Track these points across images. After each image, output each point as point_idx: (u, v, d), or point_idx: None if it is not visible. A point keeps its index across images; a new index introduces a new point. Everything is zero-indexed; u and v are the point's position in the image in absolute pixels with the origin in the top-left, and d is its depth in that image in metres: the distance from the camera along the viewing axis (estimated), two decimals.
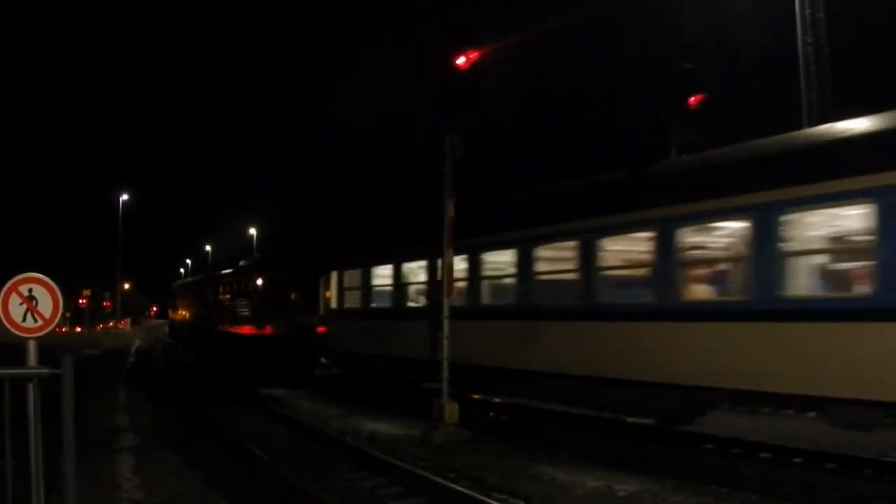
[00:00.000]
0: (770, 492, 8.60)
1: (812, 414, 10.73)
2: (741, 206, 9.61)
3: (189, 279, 47.54)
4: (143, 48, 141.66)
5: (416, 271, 16.98)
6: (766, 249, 9.22)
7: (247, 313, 28.79)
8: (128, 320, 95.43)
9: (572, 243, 12.40)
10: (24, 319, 5.70)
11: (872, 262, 8.26)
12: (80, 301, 66.01)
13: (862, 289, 8.52)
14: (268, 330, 25.69)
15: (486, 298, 14.65)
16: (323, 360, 21.90)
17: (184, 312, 45.51)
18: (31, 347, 5.69)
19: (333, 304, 20.37)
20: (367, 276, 18.92)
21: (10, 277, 5.72)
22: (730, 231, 10.47)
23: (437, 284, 14.45)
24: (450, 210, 13.14)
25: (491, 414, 15.10)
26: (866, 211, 8.29)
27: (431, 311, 14.70)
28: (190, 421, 14.89)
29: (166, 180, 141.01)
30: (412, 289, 17.25)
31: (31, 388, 5.49)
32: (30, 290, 5.72)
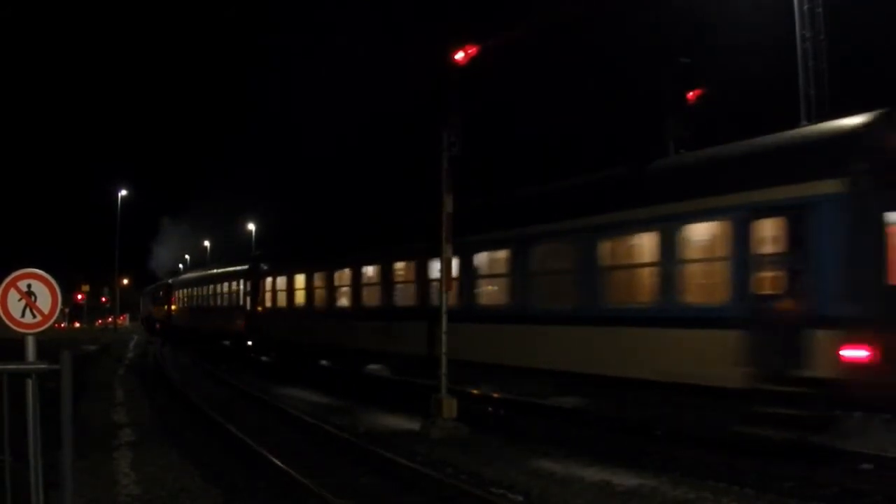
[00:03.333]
0: (767, 487, 8.61)
1: None
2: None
3: (149, 287, 71.99)
4: (142, 46, 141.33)
5: (208, 289, 36.73)
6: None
7: (157, 306, 58.80)
8: (126, 316, 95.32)
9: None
10: (23, 315, 5.70)
11: None
12: (79, 297, 65.89)
13: None
14: (162, 316, 54.49)
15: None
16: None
17: (146, 309, 70.79)
18: (30, 343, 5.69)
19: (175, 306, 48.29)
20: (183, 292, 45.43)
21: (9, 273, 5.72)
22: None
23: (211, 295, 35.99)
24: (448, 205, 13.15)
25: (489, 409, 15.12)
26: None
27: (209, 308, 36.37)
28: (188, 414, 14.94)
29: (167, 177, 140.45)
30: (199, 298, 39.48)
31: (29, 383, 5.49)
32: (28, 286, 5.72)
